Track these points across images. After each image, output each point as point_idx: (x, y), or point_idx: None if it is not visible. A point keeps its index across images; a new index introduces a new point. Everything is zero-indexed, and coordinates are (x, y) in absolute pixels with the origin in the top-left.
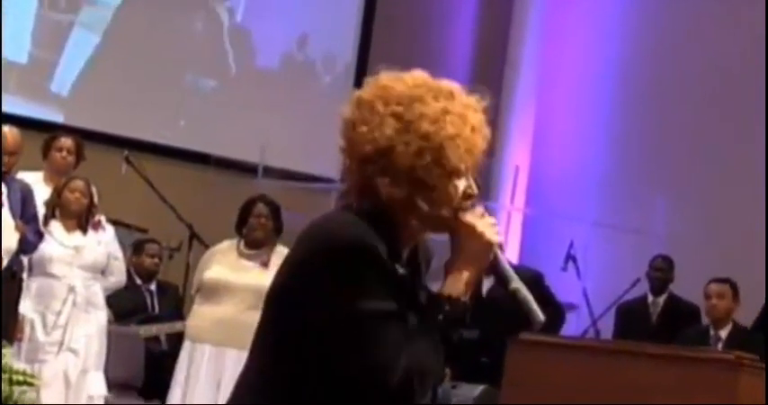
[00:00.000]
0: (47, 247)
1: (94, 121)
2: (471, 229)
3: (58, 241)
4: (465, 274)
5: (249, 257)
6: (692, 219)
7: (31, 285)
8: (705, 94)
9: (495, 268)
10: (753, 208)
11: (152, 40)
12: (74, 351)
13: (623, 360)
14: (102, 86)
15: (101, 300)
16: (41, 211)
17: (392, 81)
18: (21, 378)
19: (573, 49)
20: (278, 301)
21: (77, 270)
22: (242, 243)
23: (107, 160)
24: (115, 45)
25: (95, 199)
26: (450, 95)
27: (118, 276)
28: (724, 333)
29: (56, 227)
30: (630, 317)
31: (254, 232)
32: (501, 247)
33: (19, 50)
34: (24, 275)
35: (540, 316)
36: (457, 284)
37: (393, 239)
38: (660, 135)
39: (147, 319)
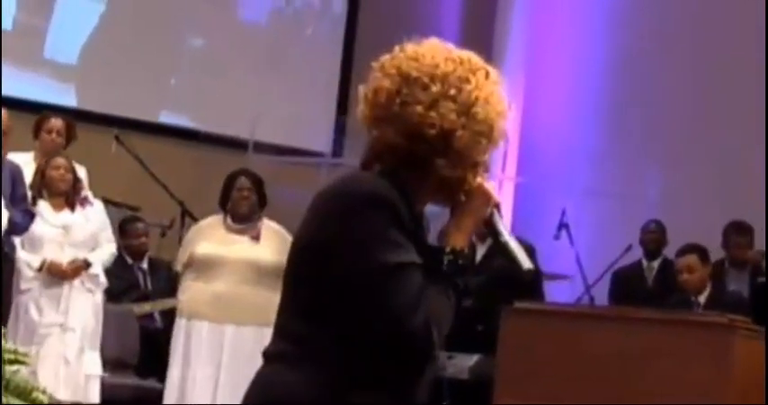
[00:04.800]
0: (37, 228)
1: (84, 97)
2: (480, 188)
3: (46, 221)
4: (466, 228)
5: (238, 231)
6: (683, 184)
7: None
8: (697, 58)
9: (489, 223)
10: (744, 172)
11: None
12: (71, 330)
13: (618, 326)
14: (100, 55)
15: (97, 278)
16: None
17: (428, 54)
18: (12, 357)
19: (563, 14)
20: (306, 259)
21: (69, 249)
22: (228, 218)
23: (97, 140)
24: (116, 11)
25: (78, 175)
26: (487, 74)
27: (109, 247)
28: (702, 298)
29: (44, 207)
30: (626, 282)
31: (238, 206)
32: (497, 207)
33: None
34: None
35: (528, 264)
36: (459, 236)
37: (409, 200)
38: (651, 101)
39: (141, 297)
